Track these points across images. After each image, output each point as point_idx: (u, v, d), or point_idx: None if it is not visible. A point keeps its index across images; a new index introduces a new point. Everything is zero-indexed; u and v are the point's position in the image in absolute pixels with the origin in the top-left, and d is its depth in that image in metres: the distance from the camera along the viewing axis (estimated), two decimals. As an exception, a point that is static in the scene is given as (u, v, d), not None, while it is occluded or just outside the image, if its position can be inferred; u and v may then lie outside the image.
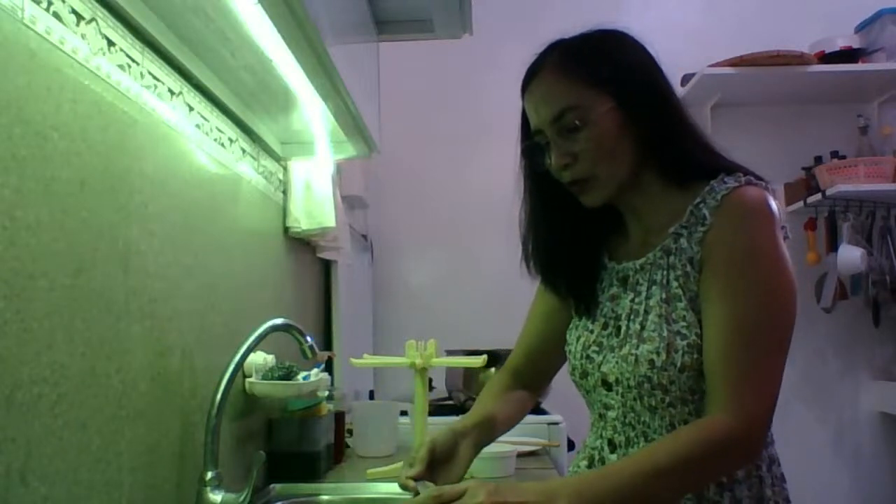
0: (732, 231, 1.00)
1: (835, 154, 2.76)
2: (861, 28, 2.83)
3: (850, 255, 2.64)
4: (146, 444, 1.06)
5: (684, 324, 1.02)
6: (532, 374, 1.28)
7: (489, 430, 1.16)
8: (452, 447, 1.09)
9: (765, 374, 0.97)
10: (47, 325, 0.82)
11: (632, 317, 1.08)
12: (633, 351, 1.04)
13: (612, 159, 1.06)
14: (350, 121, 1.52)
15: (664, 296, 1.04)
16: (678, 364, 1.00)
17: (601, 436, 1.12)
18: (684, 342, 1.01)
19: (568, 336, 1.19)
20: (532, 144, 1.11)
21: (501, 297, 2.69)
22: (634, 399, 1.05)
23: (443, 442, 1.09)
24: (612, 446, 1.09)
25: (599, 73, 1.05)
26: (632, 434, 1.07)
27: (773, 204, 1.02)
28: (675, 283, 1.04)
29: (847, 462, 2.84)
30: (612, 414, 1.09)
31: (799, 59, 2.69)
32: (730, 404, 0.95)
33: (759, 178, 1.05)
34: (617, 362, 1.06)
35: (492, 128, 2.90)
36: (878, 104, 2.91)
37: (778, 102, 2.91)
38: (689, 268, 1.03)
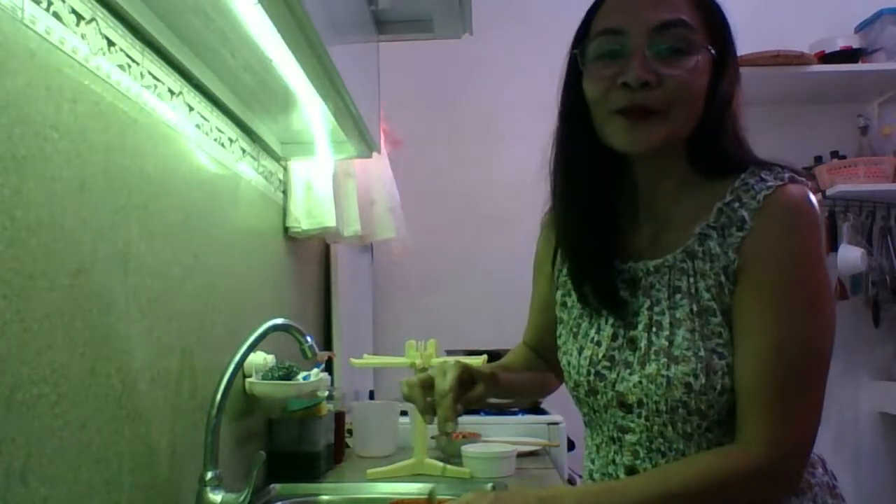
0: (778, 239, 0.89)
1: (835, 154, 2.76)
2: (861, 28, 2.83)
3: (850, 255, 2.64)
4: (146, 444, 1.06)
5: (720, 341, 0.90)
6: (550, 358, 1.16)
7: (493, 386, 1.06)
8: (469, 384, 1.01)
9: (809, 404, 0.88)
10: (47, 325, 0.82)
11: (654, 329, 0.94)
12: (664, 372, 0.91)
13: (691, 107, 0.93)
14: (350, 121, 1.52)
15: (695, 307, 0.92)
16: (718, 387, 0.89)
17: (614, 461, 0.99)
18: (723, 362, 0.90)
19: (563, 346, 1.06)
20: (601, 44, 0.94)
21: (501, 297, 2.69)
22: (664, 424, 0.93)
23: (467, 377, 1.00)
24: (634, 474, 0.96)
25: (716, 16, 0.96)
26: (662, 462, 0.94)
27: (816, 204, 0.92)
28: (706, 295, 0.91)
29: (847, 462, 2.84)
30: (631, 438, 0.96)
31: (799, 59, 2.69)
32: (767, 435, 0.86)
33: (797, 172, 0.93)
34: (640, 382, 0.93)
35: (492, 128, 2.91)
36: (878, 104, 2.91)
37: (778, 102, 2.90)
38: (723, 278, 0.91)
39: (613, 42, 0.93)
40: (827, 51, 2.75)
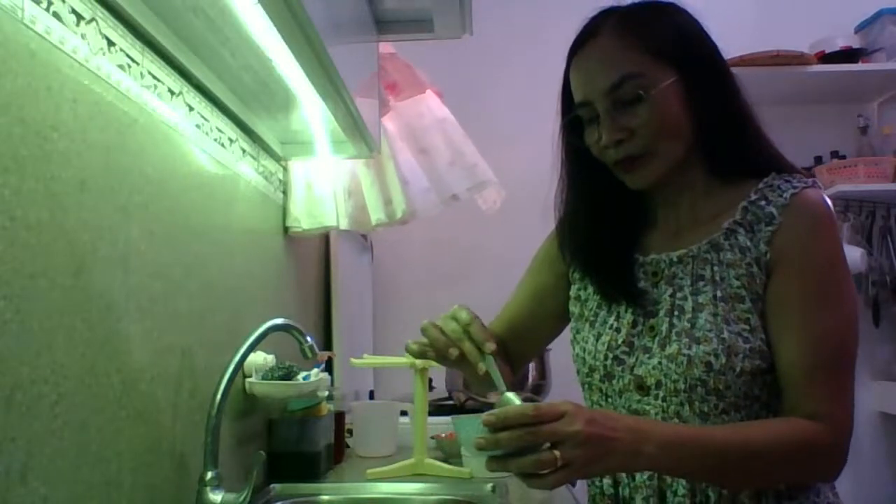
0: (810, 236, 0.96)
1: (835, 154, 2.77)
2: (861, 28, 2.83)
3: (850, 255, 2.64)
4: (146, 444, 1.06)
5: (746, 327, 0.95)
6: (513, 350, 1.18)
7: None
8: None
9: (850, 388, 0.95)
10: (47, 325, 0.82)
11: (675, 314, 0.99)
12: (685, 351, 0.96)
13: (673, 137, 0.99)
14: (350, 121, 1.52)
15: (719, 294, 0.97)
16: (737, 369, 0.94)
17: None
18: (746, 346, 0.94)
19: (577, 335, 1.10)
20: (574, 119, 1.03)
21: (502, 296, 2.68)
22: (681, 404, 0.96)
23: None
24: None
25: (662, 41, 0.99)
26: None
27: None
28: (736, 283, 0.97)
29: (847, 462, 2.84)
30: None
31: (799, 59, 2.69)
32: (823, 415, 0.91)
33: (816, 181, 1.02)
34: (660, 363, 0.97)
35: (492, 128, 2.90)
36: (878, 104, 2.91)
37: (778, 102, 2.90)
38: (755, 268, 0.97)
39: (585, 112, 1.02)
40: (827, 51, 2.75)
